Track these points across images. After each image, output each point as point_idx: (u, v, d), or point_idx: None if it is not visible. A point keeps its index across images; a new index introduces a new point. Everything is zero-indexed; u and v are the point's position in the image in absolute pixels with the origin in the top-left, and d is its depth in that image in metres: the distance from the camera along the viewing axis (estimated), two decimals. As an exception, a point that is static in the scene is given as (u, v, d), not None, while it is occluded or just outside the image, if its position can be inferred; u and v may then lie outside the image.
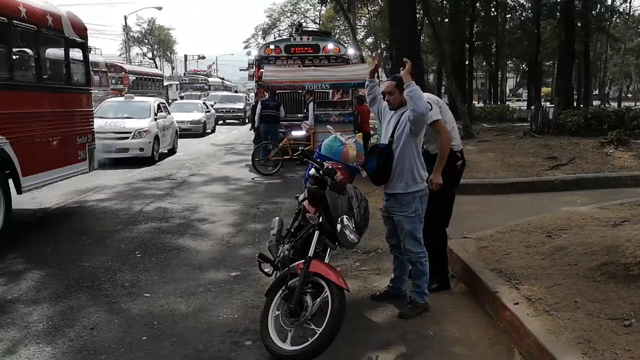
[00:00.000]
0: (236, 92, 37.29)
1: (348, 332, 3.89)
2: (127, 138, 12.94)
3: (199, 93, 38.29)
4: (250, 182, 10.94)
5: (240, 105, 30.38)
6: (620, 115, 14.23)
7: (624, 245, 4.27)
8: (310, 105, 12.59)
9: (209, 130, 22.92)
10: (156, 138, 13.55)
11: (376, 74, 4.61)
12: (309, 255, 3.73)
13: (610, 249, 4.31)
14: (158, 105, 14.73)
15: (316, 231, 3.87)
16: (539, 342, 3.30)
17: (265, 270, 4.40)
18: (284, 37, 26.03)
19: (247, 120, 27.95)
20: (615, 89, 56.42)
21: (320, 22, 47.13)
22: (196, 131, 20.87)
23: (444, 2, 27.80)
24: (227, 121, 29.45)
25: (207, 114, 22.58)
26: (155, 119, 13.88)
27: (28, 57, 7.44)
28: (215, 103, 29.10)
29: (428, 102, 4.18)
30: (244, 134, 22.22)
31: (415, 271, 4.31)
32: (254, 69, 16.49)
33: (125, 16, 49.82)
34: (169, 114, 15.78)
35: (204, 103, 23.59)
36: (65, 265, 5.56)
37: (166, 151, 14.92)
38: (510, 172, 9.78)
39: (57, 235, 6.72)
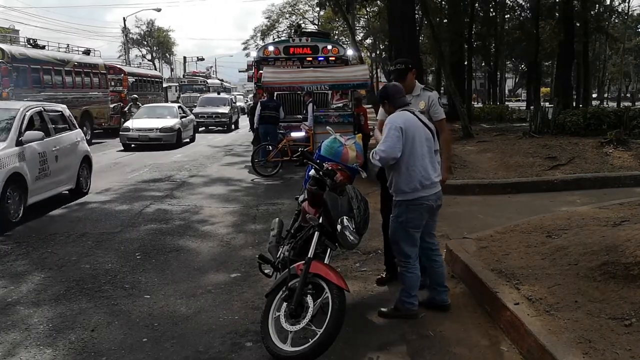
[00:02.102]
0: (219, 93, 31.72)
1: (348, 333, 3.89)
2: None
3: (198, 95, 38.10)
4: (249, 184, 10.94)
5: (225, 110, 25.78)
6: (619, 115, 14.23)
7: (624, 245, 4.28)
8: (310, 107, 12.59)
9: (187, 139, 19.29)
10: None
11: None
12: (309, 256, 3.73)
13: (610, 248, 4.32)
14: None
15: (316, 232, 3.88)
16: (540, 342, 3.31)
17: (266, 271, 4.42)
18: (282, 38, 26.04)
19: (233, 127, 26.25)
20: (615, 89, 56.51)
21: (319, 23, 47.22)
22: (168, 141, 17.27)
23: (443, 2, 27.84)
24: (209, 128, 25.56)
25: (184, 119, 18.92)
26: None
27: None
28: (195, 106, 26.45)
29: (439, 98, 4.65)
30: (243, 135, 22.21)
31: (399, 275, 4.32)
32: (253, 71, 16.49)
33: (124, 18, 49.84)
34: None
35: (179, 107, 19.96)
36: (65, 267, 5.56)
37: None
38: (510, 172, 9.78)
39: (57, 237, 6.72)
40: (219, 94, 30.89)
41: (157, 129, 17.31)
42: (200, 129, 24.32)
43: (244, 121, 30.09)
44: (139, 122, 17.66)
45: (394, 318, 4.18)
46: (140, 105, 20.32)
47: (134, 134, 17.23)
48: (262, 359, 3.62)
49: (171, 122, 17.98)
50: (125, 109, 20.86)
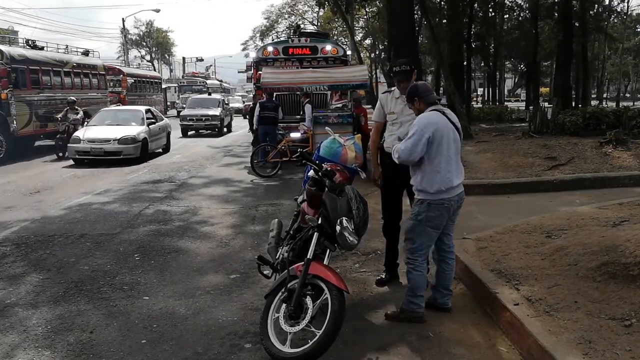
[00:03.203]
0: (210, 94, 29.26)
1: (348, 334, 3.88)
2: None
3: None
4: (249, 184, 10.93)
5: (216, 112, 23.57)
6: (618, 115, 14.25)
7: (624, 245, 4.27)
8: (307, 107, 12.60)
9: (159, 150, 16.19)
10: None
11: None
12: (308, 257, 3.72)
13: (610, 248, 4.31)
14: None
15: (315, 233, 3.87)
16: (540, 343, 3.30)
17: (265, 272, 4.41)
18: (282, 38, 26.01)
19: (225, 130, 24.75)
20: (614, 88, 56.56)
21: (318, 23, 47.20)
22: (129, 154, 13.76)
23: (442, 3, 27.85)
24: (199, 131, 23.70)
25: (153, 127, 15.45)
26: None
27: None
28: (184, 108, 24.79)
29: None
30: (242, 136, 22.15)
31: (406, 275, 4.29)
32: (252, 71, 16.47)
33: (123, 19, 49.61)
34: None
35: (148, 110, 16.35)
36: (64, 269, 5.55)
37: None
38: (509, 172, 9.78)
39: (56, 238, 6.70)
40: (209, 94, 28.49)
41: (114, 139, 13.74)
42: (189, 133, 23.21)
43: (238, 122, 29.65)
44: (92, 131, 14.16)
45: (400, 321, 4.13)
46: (79, 110, 16.43)
47: (85, 147, 13.62)
48: (261, 360, 3.61)
49: (134, 130, 14.42)
50: (59, 116, 15.95)
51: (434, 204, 4.02)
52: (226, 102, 27.42)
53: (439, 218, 4.06)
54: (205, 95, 28.28)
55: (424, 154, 3.96)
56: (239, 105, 39.94)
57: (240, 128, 26.59)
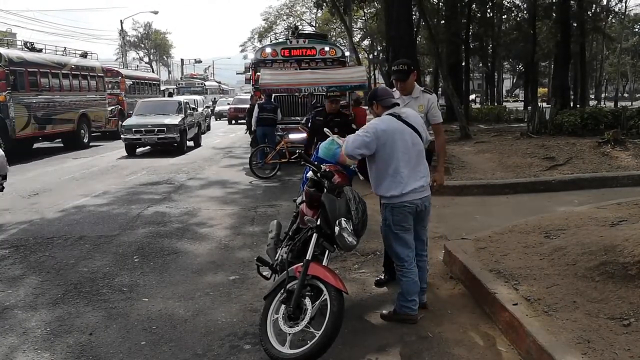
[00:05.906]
0: (171, 95, 21.70)
1: (347, 334, 3.89)
2: None
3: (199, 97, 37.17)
4: (248, 186, 10.93)
5: (174, 120, 16.59)
6: (616, 115, 14.28)
7: (622, 244, 4.27)
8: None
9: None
10: None
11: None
12: (307, 258, 3.73)
13: (608, 248, 4.32)
14: None
15: (314, 234, 3.87)
16: (538, 343, 3.30)
17: (264, 273, 4.42)
18: (280, 40, 25.99)
19: (191, 144, 18.24)
20: (612, 89, 56.67)
21: (317, 25, 47.29)
22: None
23: (440, 3, 27.90)
24: (157, 147, 16.79)
25: None
26: None
27: None
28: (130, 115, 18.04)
29: (438, 101, 4.64)
30: (241, 137, 22.13)
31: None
32: (250, 73, 16.45)
33: (121, 20, 49.50)
34: None
35: None
36: (63, 271, 5.55)
37: None
38: (508, 172, 9.79)
39: (55, 240, 6.70)
40: (170, 95, 21.66)
41: None
42: (138, 150, 16.62)
43: (231, 129, 27.83)
44: None
45: (393, 321, 4.17)
46: None
47: None
48: (260, 361, 3.60)
49: None
50: None
51: (396, 208, 4.04)
52: (193, 105, 19.64)
53: (404, 220, 4.07)
54: (162, 98, 21.21)
55: (377, 157, 3.98)
56: (224, 108, 35.20)
57: (216, 136, 23.05)
